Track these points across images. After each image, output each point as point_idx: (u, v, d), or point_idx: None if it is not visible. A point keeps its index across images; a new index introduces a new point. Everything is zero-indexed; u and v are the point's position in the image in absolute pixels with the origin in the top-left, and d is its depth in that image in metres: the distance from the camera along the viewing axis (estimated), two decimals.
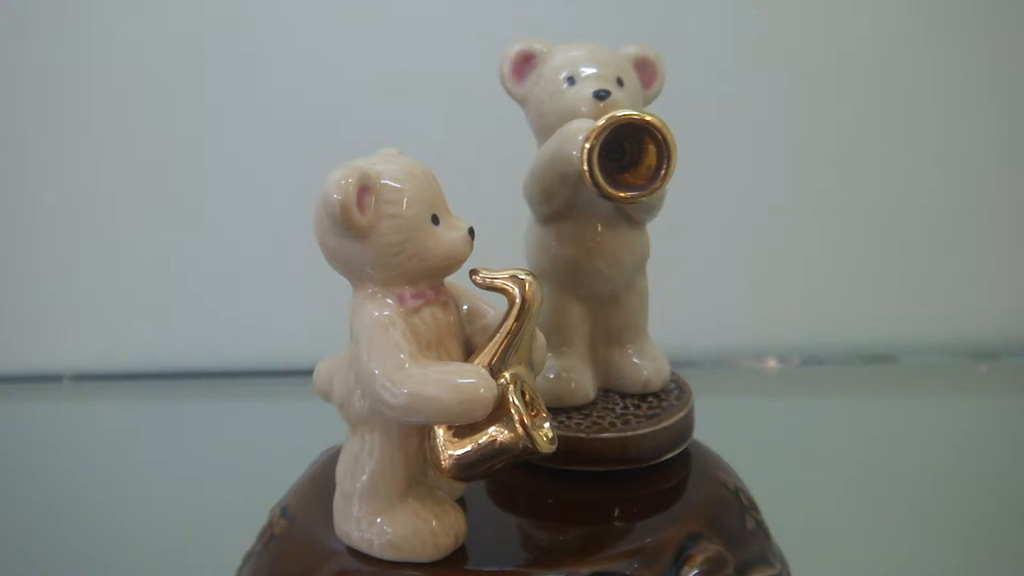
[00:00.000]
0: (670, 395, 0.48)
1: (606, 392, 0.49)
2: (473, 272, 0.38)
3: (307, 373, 0.42)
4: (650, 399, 0.48)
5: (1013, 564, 0.61)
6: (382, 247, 0.35)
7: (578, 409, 0.46)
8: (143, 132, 0.93)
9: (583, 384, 0.47)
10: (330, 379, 0.40)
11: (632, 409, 0.46)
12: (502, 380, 0.36)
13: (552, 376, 0.46)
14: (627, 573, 0.38)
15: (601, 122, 0.39)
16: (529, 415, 0.35)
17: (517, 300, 0.37)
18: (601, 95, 0.43)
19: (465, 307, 0.39)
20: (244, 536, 0.47)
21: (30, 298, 0.97)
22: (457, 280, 0.39)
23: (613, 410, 0.47)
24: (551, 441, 0.37)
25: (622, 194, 0.40)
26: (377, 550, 0.38)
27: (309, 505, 0.43)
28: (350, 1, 0.90)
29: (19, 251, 0.96)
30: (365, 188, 0.35)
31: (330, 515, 0.40)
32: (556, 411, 0.46)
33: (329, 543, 0.40)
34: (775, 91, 0.90)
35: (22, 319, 0.97)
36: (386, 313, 0.36)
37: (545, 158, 0.43)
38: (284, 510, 0.44)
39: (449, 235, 0.37)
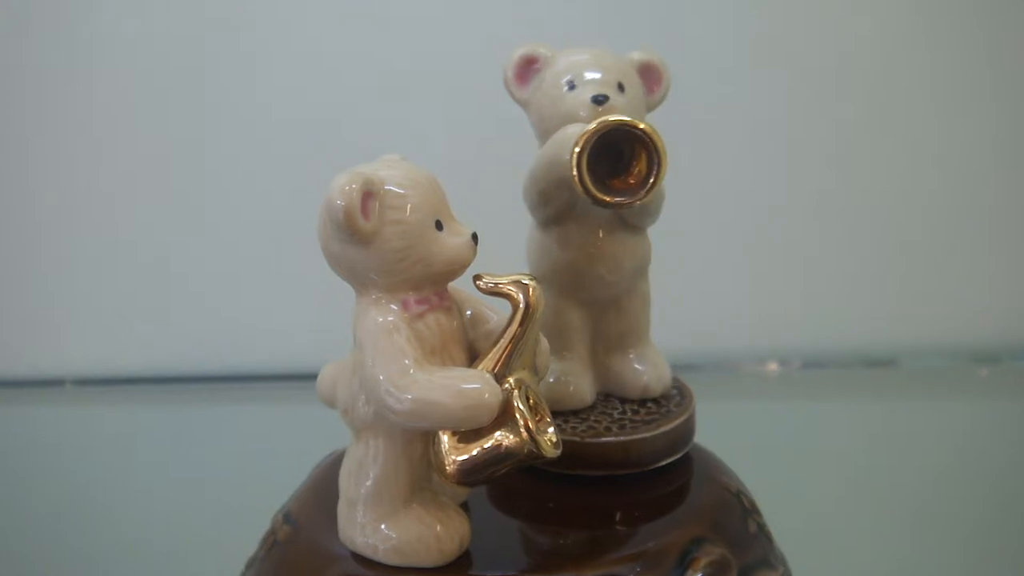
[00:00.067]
0: (670, 400, 0.48)
1: (606, 397, 0.49)
2: (476, 277, 0.38)
3: (308, 377, 0.42)
4: (649, 404, 0.47)
5: (1015, 569, 0.61)
6: (386, 253, 0.35)
7: (576, 413, 0.47)
8: (143, 132, 0.93)
9: (581, 388, 0.47)
10: (333, 385, 0.40)
11: (630, 414, 0.46)
12: (506, 385, 0.36)
13: (551, 380, 0.46)
14: None
15: (592, 126, 0.39)
16: (533, 420, 0.35)
17: (521, 305, 0.37)
18: (599, 100, 0.43)
19: (468, 312, 0.39)
20: (246, 541, 0.47)
21: (32, 301, 0.97)
22: (460, 285, 0.39)
23: (611, 415, 0.47)
24: (555, 445, 0.37)
25: (608, 198, 0.40)
26: (382, 555, 0.38)
27: (312, 510, 0.43)
28: (350, 1, 0.90)
29: (19, 252, 0.96)
30: (369, 194, 0.35)
31: (333, 520, 0.40)
32: (554, 415, 0.45)
33: (333, 548, 0.40)
34: (775, 91, 0.90)
35: (24, 322, 0.97)
36: (390, 319, 0.36)
37: (542, 162, 0.43)
38: (287, 516, 0.44)
39: (453, 241, 0.37)
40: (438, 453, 0.36)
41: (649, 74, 0.47)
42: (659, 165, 0.40)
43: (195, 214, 0.94)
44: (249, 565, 0.45)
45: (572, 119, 0.43)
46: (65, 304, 0.97)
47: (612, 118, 0.39)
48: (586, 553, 0.40)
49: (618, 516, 0.43)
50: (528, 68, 0.47)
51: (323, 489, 0.44)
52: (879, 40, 0.89)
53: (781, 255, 0.93)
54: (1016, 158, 0.91)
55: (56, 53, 0.91)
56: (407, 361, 0.35)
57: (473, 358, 0.38)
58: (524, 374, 0.37)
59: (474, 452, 0.35)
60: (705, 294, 0.91)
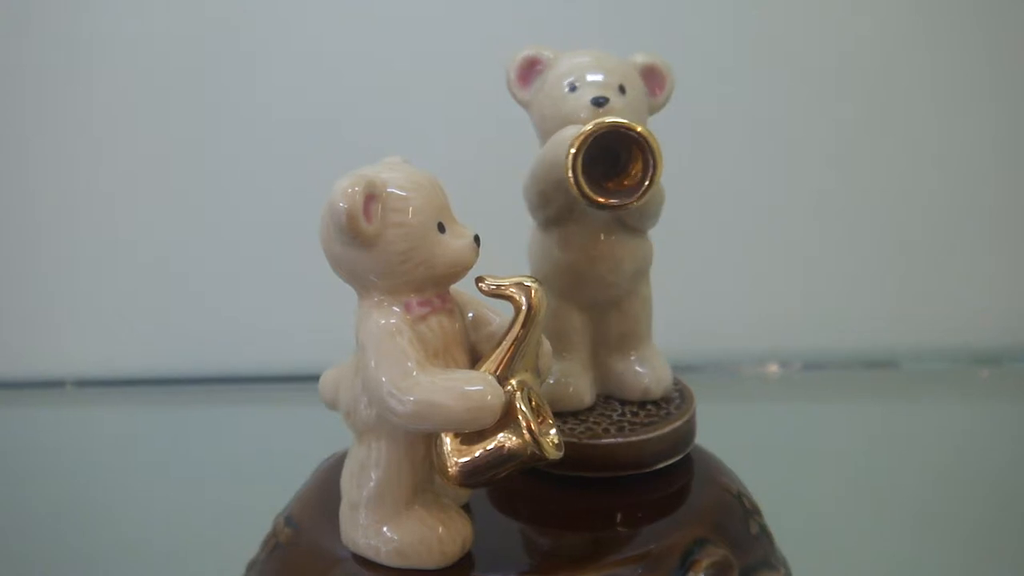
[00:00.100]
0: (671, 403, 0.48)
1: (607, 399, 0.49)
2: (479, 280, 0.38)
3: (308, 378, 0.42)
4: (649, 407, 0.47)
5: (1015, 571, 0.61)
6: (389, 255, 0.35)
7: (574, 414, 0.47)
8: (143, 132, 0.93)
9: (580, 389, 0.47)
10: (336, 388, 0.40)
11: (629, 416, 0.46)
12: (509, 387, 0.36)
13: (551, 381, 0.46)
14: None
15: (588, 128, 0.39)
16: (536, 421, 0.35)
17: (523, 307, 0.37)
18: (600, 102, 0.43)
19: (470, 315, 0.39)
20: (247, 543, 0.47)
21: (32, 302, 0.97)
22: (462, 287, 0.39)
23: (610, 416, 0.47)
24: (558, 447, 0.37)
25: (603, 200, 0.40)
26: (384, 557, 0.38)
27: (314, 513, 0.43)
28: (350, 1, 0.90)
29: (19, 252, 0.96)
30: (372, 196, 0.35)
31: (335, 523, 0.40)
32: (553, 416, 0.46)
33: (335, 551, 0.40)
34: (775, 91, 0.90)
35: (24, 324, 0.97)
36: (392, 321, 0.36)
37: (541, 164, 0.44)
38: (288, 518, 0.44)
39: (455, 243, 0.37)
40: (440, 455, 0.36)
41: (653, 77, 0.47)
42: (654, 168, 0.40)
43: (195, 214, 0.94)
44: (250, 567, 0.45)
45: (572, 121, 0.43)
46: (66, 305, 0.97)
47: (608, 120, 0.39)
48: (588, 555, 0.40)
49: (619, 518, 0.43)
50: (531, 70, 0.47)
51: (324, 491, 0.44)
52: (879, 40, 0.89)
53: (781, 256, 0.93)
54: (1016, 158, 0.91)
55: (56, 53, 0.91)
56: (410, 363, 0.35)
57: (475, 360, 0.38)
58: (526, 376, 0.37)
59: (476, 454, 0.35)
60: (705, 295, 0.91)
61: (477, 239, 0.37)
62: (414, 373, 0.35)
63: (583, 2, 0.88)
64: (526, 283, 0.37)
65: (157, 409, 0.95)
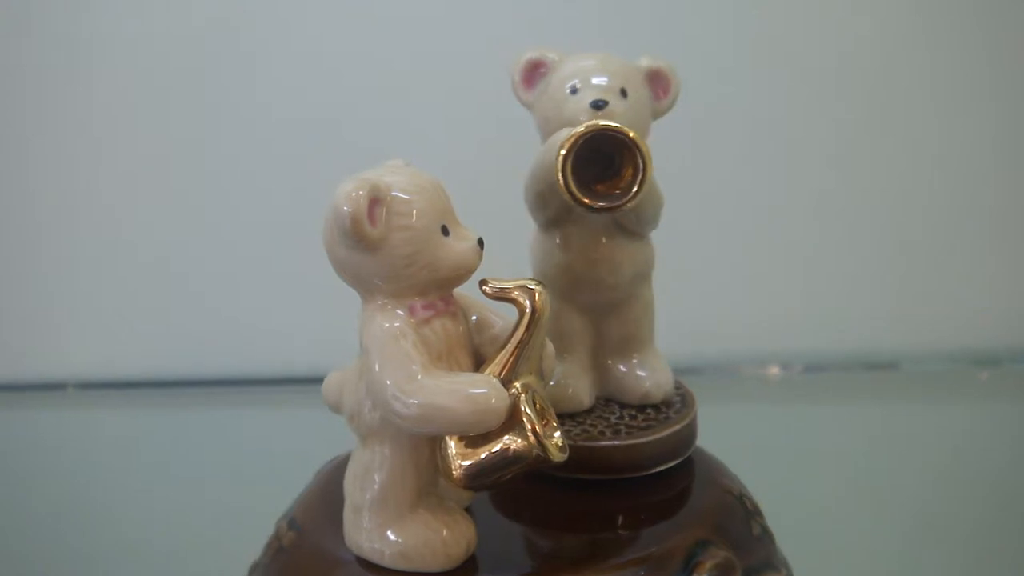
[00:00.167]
0: (671, 407, 0.48)
1: (607, 401, 0.49)
2: (483, 282, 0.38)
3: (309, 380, 0.42)
4: (649, 410, 0.47)
5: (1016, 573, 0.61)
6: (393, 259, 0.35)
7: (572, 416, 0.47)
8: (143, 132, 0.93)
9: (579, 391, 0.47)
10: (340, 391, 0.40)
11: (627, 419, 0.46)
12: (513, 390, 0.36)
13: (550, 382, 0.46)
14: None
15: (579, 129, 0.39)
16: (540, 424, 0.36)
17: (527, 310, 0.37)
18: (599, 105, 0.43)
19: (474, 317, 0.39)
20: (248, 545, 0.47)
21: (33, 304, 0.97)
22: (465, 290, 0.39)
23: (608, 419, 0.47)
24: (562, 449, 0.37)
25: (589, 201, 0.40)
26: (388, 560, 0.38)
27: (317, 516, 0.43)
28: (350, 1, 0.90)
29: (19, 253, 0.96)
30: (376, 200, 0.35)
31: (338, 526, 0.40)
32: None
33: (339, 554, 0.40)
34: (775, 91, 0.90)
35: (26, 325, 0.97)
36: (396, 324, 0.36)
37: (538, 165, 0.44)
38: (291, 521, 0.44)
39: (459, 246, 0.37)
40: (445, 458, 0.36)
41: (658, 80, 0.47)
42: (644, 172, 0.40)
43: (195, 214, 0.94)
44: (252, 571, 0.45)
45: (572, 123, 0.43)
46: (66, 306, 0.97)
47: (600, 123, 0.39)
48: (591, 557, 0.40)
49: (622, 520, 0.43)
50: (535, 72, 0.47)
51: (327, 494, 0.44)
52: (879, 40, 0.89)
53: (781, 257, 0.93)
54: (1016, 158, 0.91)
55: (56, 53, 0.91)
56: (414, 366, 0.35)
57: (479, 363, 0.38)
58: (530, 379, 0.37)
59: (481, 456, 0.35)
60: (705, 296, 0.91)
61: (481, 242, 0.37)
62: (418, 376, 0.34)
63: (583, 2, 0.88)
64: (530, 286, 0.37)
65: (158, 411, 0.94)
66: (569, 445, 0.38)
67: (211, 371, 0.96)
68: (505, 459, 0.35)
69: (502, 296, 0.37)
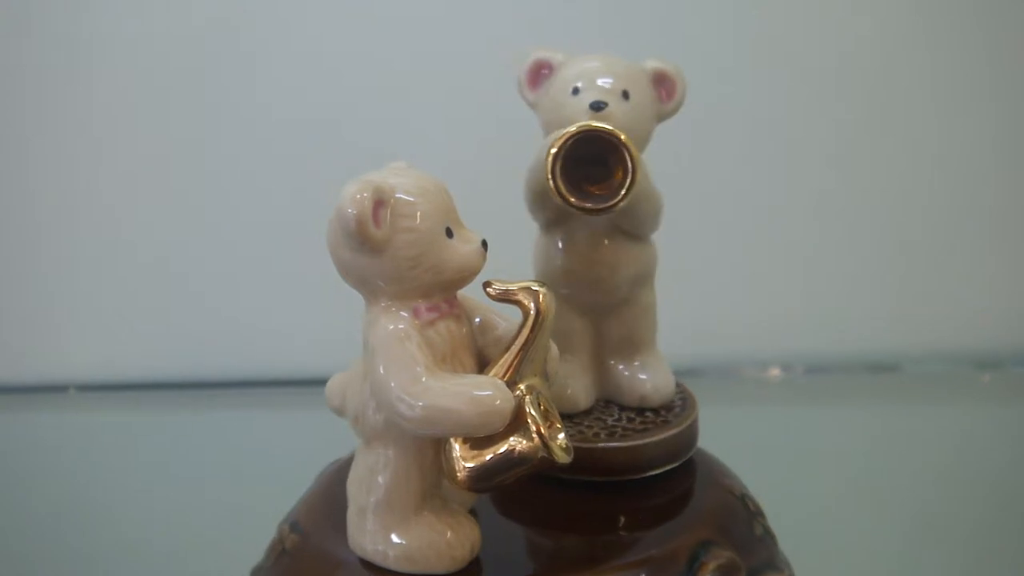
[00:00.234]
0: (670, 411, 0.48)
1: (607, 403, 0.49)
2: (487, 284, 0.38)
3: (309, 382, 0.42)
4: (647, 413, 0.47)
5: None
6: (398, 261, 0.35)
7: (569, 417, 0.47)
8: (143, 132, 0.93)
9: (576, 392, 0.47)
10: (343, 393, 0.40)
11: (625, 422, 0.46)
12: (518, 391, 0.36)
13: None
14: None
15: (571, 129, 0.39)
16: (545, 425, 0.36)
17: (532, 312, 0.37)
18: (597, 106, 0.43)
19: (477, 319, 0.39)
20: (249, 547, 0.47)
21: (33, 304, 0.97)
22: (470, 292, 0.39)
23: (605, 421, 0.47)
24: (567, 451, 0.37)
25: (575, 200, 0.40)
26: (392, 563, 0.38)
27: (319, 518, 0.43)
28: (350, 1, 0.90)
29: (19, 253, 0.96)
30: (380, 202, 0.35)
31: (341, 528, 0.40)
32: None
33: (342, 556, 0.40)
34: (775, 91, 0.90)
35: (27, 327, 0.97)
36: (401, 327, 0.36)
37: (534, 166, 0.44)
38: (294, 525, 0.44)
39: (463, 248, 0.37)
40: (450, 460, 0.36)
41: (663, 83, 0.47)
42: (632, 174, 0.40)
43: (195, 214, 0.94)
44: (255, 574, 0.45)
45: (571, 124, 0.43)
46: (67, 307, 0.97)
47: (592, 124, 0.40)
48: (594, 559, 0.40)
49: (625, 521, 0.43)
50: (540, 72, 0.47)
51: (329, 497, 0.44)
52: (879, 40, 0.89)
53: (781, 258, 0.93)
54: (1016, 158, 0.91)
55: (56, 53, 0.91)
56: (419, 368, 0.35)
57: (482, 365, 0.38)
58: (535, 380, 0.37)
59: (486, 458, 0.35)
60: (706, 298, 0.91)
61: (485, 244, 0.37)
62: (423, 378, 0.34)
63: (583, 2, 0.88)
64: (534, 287, 0.37)
65: (160, 413, 0.94)
66: None
67: (211, 373, 0.96)
68: (510, 461, 0.35)
69: (506, 298, 0.37)
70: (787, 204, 0.92)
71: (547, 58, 0.47)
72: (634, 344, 0.48)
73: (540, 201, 0.44)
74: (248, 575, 0.46)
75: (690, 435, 0.47)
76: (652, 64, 0.47)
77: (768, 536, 0.46)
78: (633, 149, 0.40)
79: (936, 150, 0.91)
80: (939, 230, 0.92)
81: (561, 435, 0.37)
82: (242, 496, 0.71)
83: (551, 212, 0.45)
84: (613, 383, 0.48)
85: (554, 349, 0.40)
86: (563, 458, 0.36)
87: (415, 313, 0.36)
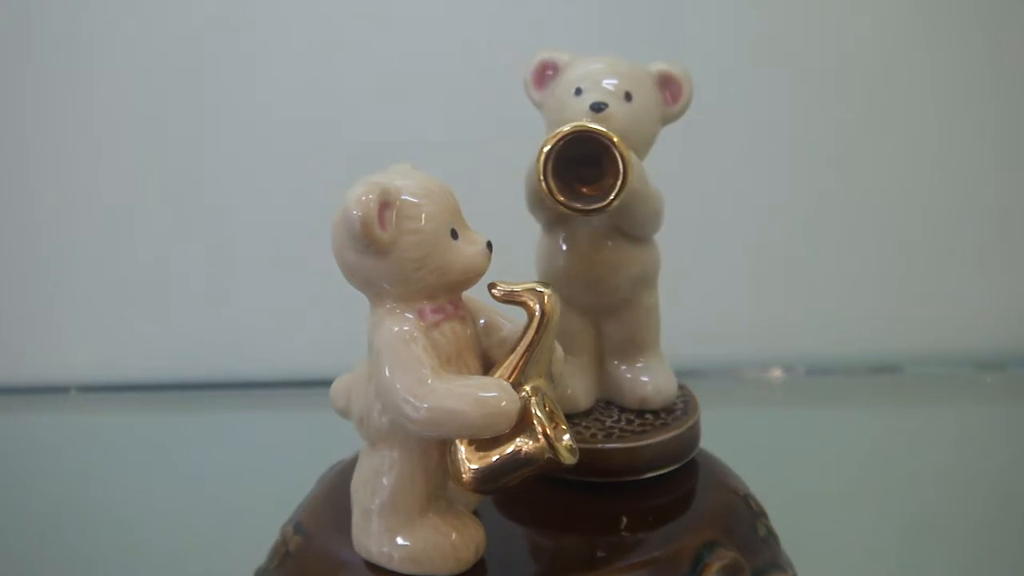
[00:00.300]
0: (671, 413, 0.48)
1: (607, 404, 0.49)
2: (491, 285, 0.38)
3: (311, 383, 0.42)
4: (647, 415, 0.47)
5: None
6: (403, 263, 0.35)
7: (568, 417, 0.46)
8: (143, 132, 0.93)
9: (576, 393, 0.47)
10: (348, 395, 0.40)
11: (624, 423, 0.46)
12: (523, 393, 0.36)
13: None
14: None
15: (564, 129, 0.39)
16: (551, 427, 0.36)
17: (536, 313, 0.37)
18: (598, 107, 0.43)
19: (482, 321, 0.39)
20: (251, 548, 0.47)
21: (33, 305, 0.97)
22: (475, 293, 0.39)
23: (603, 423, 0.47)
24: (572, 452, 0.37)
25: (563, 199, 0.40)
26: (397, 564, 0.38)
27: (323, 520, 0.43)
28: (350, 1, 0.90)
29: (19, 253, 0.96)
30: (386, 204, 0.35)
31: (344, 530, 0.40)
32: None
33: (347, 558, 0.40)
34: (775, 91, 0.90)
35: (28, 328, 0.97)
36: (406, 328, 0.36)
37: (532, 166, 0.44)
38: (297, 526, 0.44)
39: (468, 249, 0.37)
40: (455, 461, 0.36)
41: (669, 85, 0.46)
42: (624, 176, 0.40)
43: (195, 214, 0.94)
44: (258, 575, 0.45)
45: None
46: (67, 308, 0.97)
47: (586, 125, 0.40)
48: (598, 560, 0.40)
49: (629, 523, 0.43)
50: (545, 73, 0.47)
51: (332, 498, 0.44)
52: (879, 40, 0.89)
53: (782, 259, 0.93)
54: (1016, 158, 0.91)
55: (56, 53, 0.91)
56: (424, 370, 0.35)
57: (487, 367, 0.38)
58: (540, 382, 0.37)
59: (492, 460, 0.35)
60: (707, 298, 0.91)
61: (490, 245, 0.37)
62: (429, 380, 0.34)
63: (583, 2, 0.88)
64: (539, 289, 0.37)
65: (161, 414, 0.94)
66: None
67: (212, 374, 0.96)
68: (516, 462, 0.35)
69: (511, 299, 0.37)
70: (787, 204, 0.92)
71: (553, 59, 0.47)
72: (636, 345, 0.48)
73: (538, 201, 0.44)
74: None
75: (691, 437, 0.47)
76: (658, 66, 0.46)
77: (771, 537, 0.46)
78: (625, 150, 0.39)
79: (936, 150, 0.91)
80: (940, 230, 0.92)
81: (567, 436, 0.37)
82: (244, 498, 0.71)
83: (550, 212, 0.45)
84: (615, 384, 0.48)
85: (559, 350, 0.40)
86: (569, 459, 0.36)
87: (420, 315, 0.36)
